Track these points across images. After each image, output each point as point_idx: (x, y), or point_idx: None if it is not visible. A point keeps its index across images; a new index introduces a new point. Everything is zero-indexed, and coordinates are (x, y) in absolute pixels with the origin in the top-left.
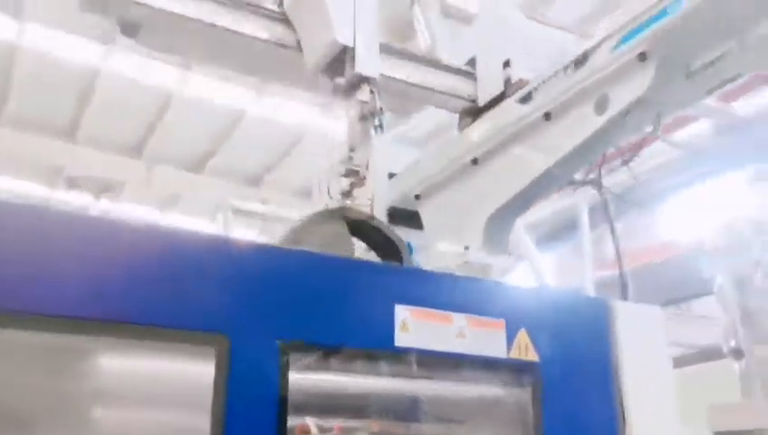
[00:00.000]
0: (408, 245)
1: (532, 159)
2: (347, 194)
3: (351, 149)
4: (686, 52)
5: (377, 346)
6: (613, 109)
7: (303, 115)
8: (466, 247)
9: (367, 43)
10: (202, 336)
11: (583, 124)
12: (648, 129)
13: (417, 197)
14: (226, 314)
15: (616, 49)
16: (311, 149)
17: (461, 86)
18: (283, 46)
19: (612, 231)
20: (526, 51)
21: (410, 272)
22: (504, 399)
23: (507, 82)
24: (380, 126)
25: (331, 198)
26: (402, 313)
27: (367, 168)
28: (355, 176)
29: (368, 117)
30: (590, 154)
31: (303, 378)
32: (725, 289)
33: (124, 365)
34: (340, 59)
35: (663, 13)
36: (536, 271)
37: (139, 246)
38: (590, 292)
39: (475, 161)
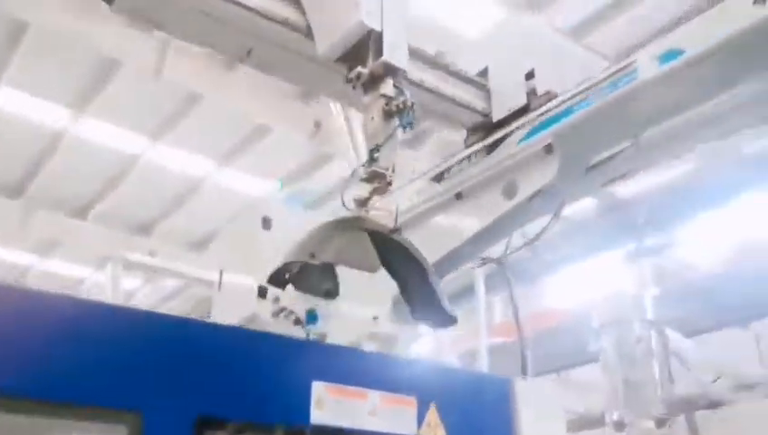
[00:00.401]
0: (313, 312)
1: (444, 237)
2: (364, 202)
3: (375, 150)
4: (587, 148)
5: (293, 422)
6: (521, 195)
7: (201, 165)
8: (375, 317)
9: (396, 28)
10: (113, 413)
11: (492, 207)
12: (550, 214)
13: None
14: (139, 389)
15: (524, 140)
16: (206, 200)
17: (474, 98)
18: (290, 27)
19: (515, 310)
20: (551, 63)
21: (328, 348)
22: None
23: (531, 93)
24: (410, 124)
25: (345, 206)
26: (318, 389)
27: (393, 171)
28: (380, 180)
29: (393, 114)
30: (498, 234)
31: None
32: (609, 360)
33: None
34: (361, 45)
35: (569, 111)
36: (437, 341)
37: (47, 317)
38: (484, 359)
39: None
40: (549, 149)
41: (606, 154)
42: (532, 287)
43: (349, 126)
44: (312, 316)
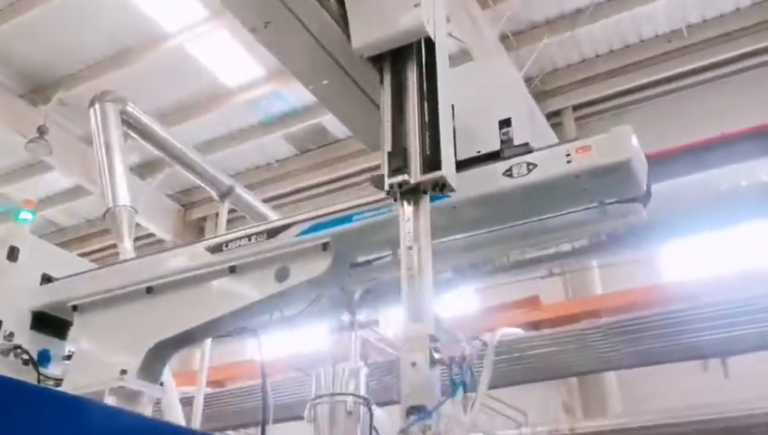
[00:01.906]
0: (47, 352)
1: (210, 304)
2: None
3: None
4: (356, 250)
5: None
6: (291, 280)
7: None
8: (123, 371)
9: (443, 40)
10: None
11: (263, 286)
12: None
13: (75, 308)
14: None
15: (303, 234)
16: None
17: None
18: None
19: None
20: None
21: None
22: None
23: (506, 142)
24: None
25: None
26: None
27: None
28: None
29: (439, 362)
30: (265, 310)
31: None
32: (321, 427)
33: None
34: (405, 51)
35: (348, 219)
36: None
37: None
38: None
39: (149, 290)
40: (326, 246)
41: (367, 258)
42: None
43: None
44: (45, 357)
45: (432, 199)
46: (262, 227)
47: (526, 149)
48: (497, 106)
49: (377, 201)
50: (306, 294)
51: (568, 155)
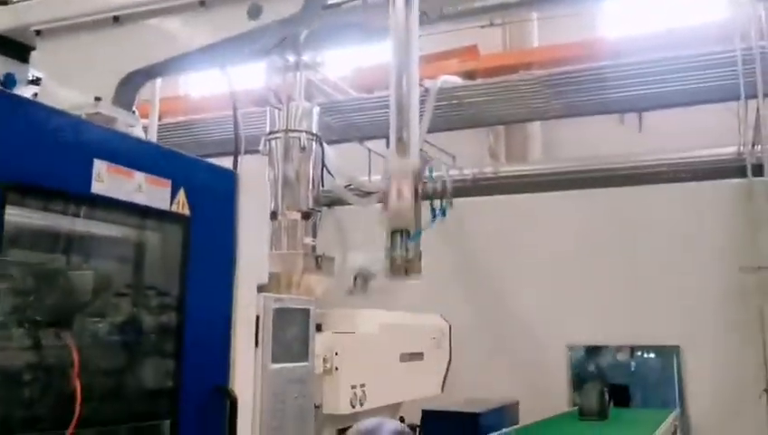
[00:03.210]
0: (11, 76)
1: (181, 38)
2: None
3: None
4: None
5: (78, 191)
6: (263, 19)
7: None
8: (97, 98)
9: None
10: None
11: (234, 22)
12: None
13: (39, 33)
14: None
15: None
16: None
17: None
18: None
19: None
20: None
21: (106, 132)
22: (165, 241)
23: None
24: None
25: None
26: (99, 166)
27: None
28: None
29: None
30: (232, 51)
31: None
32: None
33: None
34: None
35: None
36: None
37: None
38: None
39: (116, 19)
40: None
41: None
42: None
43: None
44: (11, 81)
45: None
46: None
47: None
48: None
49: None
50: (276, 34)
51: None
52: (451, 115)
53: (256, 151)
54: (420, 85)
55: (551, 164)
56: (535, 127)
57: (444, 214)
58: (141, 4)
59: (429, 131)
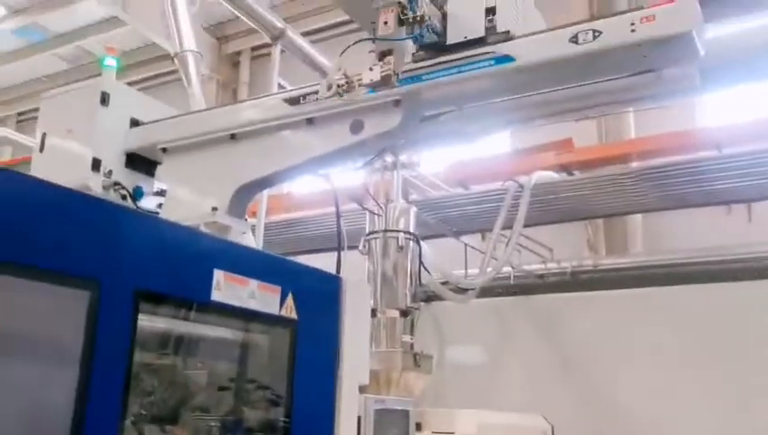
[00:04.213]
0: (140, 188)
1: (289, 152)
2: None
3: (383, 53)
4: (425, 107)
5: (199, 298)
6: (365, 133)
7: None
8: (214, 208)
9: None
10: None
11: (338, 137)
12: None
13: (165, 150)
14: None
15: (375, 91)
16: None
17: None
18: None
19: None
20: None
21: (223, 243)
22: (274, 341)
23: (491, 29)
24: (421, 37)
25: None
26: (218, 275)
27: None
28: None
29: (407, 22)
30: (337, 161)
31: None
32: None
33: None
34: None
35: (418, 78)
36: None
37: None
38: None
39: (233, 137)
40: (397, 103)
41: (436, 113)
42: None
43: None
44: (139, 193)
45: (499, 62)
46: (335, 83)
47: (507, 36)
48: None
49: (444, 62)
50: (376, 146)
51: (632, 24)
52: (547, 209)
53: (354, 247)
54: (514, 181)
55: (653, 256)
56: (636, 218)
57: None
58: (256, 123)
59: (525, 225)
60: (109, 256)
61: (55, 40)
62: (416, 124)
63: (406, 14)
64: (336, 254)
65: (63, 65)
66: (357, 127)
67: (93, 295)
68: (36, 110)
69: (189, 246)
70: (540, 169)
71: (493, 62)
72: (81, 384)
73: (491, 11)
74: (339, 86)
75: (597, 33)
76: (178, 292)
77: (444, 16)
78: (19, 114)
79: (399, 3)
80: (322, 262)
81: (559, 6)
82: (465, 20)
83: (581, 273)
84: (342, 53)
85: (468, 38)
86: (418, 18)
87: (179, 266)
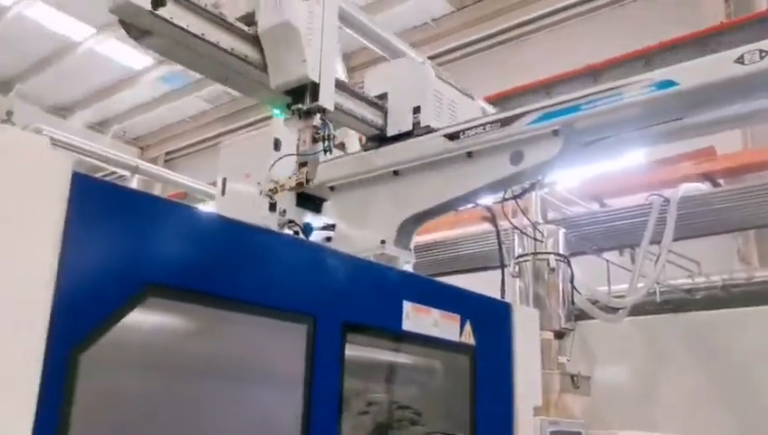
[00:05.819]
0: (309, 224)
1: (450, 185)
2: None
3: (303, 164)
4: (585, 136)
5: (393, 328)
6: (525, 163)
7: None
8: (383, 241)
9: (328, 80)
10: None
11: (498, 169)
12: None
13: (332, 188)
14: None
15: (534, 123)
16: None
17: (374, 117)
18: (251, 64)
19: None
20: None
21: (410, 277)
22: (455, 366)
23: (416, 125)
24: (330, 150)
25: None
26: (407, 307)
27: (309, 182)
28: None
29: (319, 140)
30: (497, 189)
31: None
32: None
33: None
34: (303, 87)
35: (577, 108)
36: None
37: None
38: None
39: (396, 173)
40: (556, 132)
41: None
42: None
43: None
44: (309, 229)
45: (661, 87)
46: (494, 117)
47: (428, 130)
48: (411, 96)
49: (601, 91)
50: (535, 175)
51: None
52: (695, 222)
53: (489, 268)
54: (659, 195)
55: None
56: None
57: None
58: (418, 160)
59: (673, 240)
60: (322, 293)
61: (197, 84)
62: (574, 151)
63: (319, 134)
64: (486, 274)
65: (205, 106)
66: (517, 158)
67: (310, 328)
68: (182, 148)
69: (384, 281)
70: (679, 180)
71: (654, 88)
72: (306, 407)
73: (417, 109)
74: (500, 120)
75: (764, 54)
76: (377, 322)
77: (385, 114)
78: (167, 153)
79: (315, 126)
80: (461, 282)
81: (690, 6)
82: (399, 116)
83: (734, 286)
84: None
85: (401, 131)
86: (327, 136)
87: (376, 299)
